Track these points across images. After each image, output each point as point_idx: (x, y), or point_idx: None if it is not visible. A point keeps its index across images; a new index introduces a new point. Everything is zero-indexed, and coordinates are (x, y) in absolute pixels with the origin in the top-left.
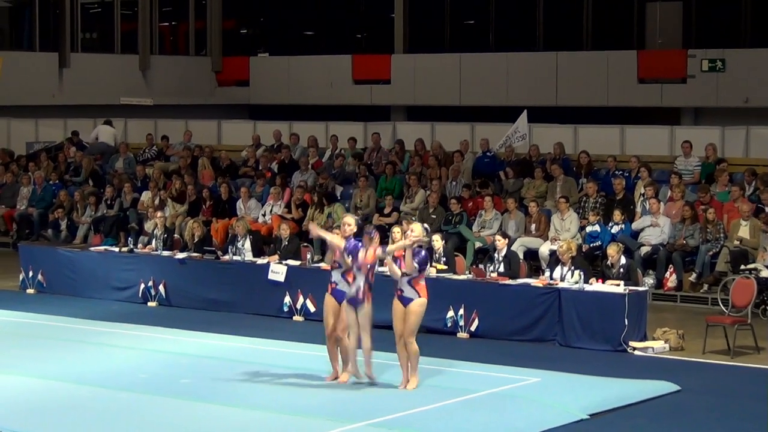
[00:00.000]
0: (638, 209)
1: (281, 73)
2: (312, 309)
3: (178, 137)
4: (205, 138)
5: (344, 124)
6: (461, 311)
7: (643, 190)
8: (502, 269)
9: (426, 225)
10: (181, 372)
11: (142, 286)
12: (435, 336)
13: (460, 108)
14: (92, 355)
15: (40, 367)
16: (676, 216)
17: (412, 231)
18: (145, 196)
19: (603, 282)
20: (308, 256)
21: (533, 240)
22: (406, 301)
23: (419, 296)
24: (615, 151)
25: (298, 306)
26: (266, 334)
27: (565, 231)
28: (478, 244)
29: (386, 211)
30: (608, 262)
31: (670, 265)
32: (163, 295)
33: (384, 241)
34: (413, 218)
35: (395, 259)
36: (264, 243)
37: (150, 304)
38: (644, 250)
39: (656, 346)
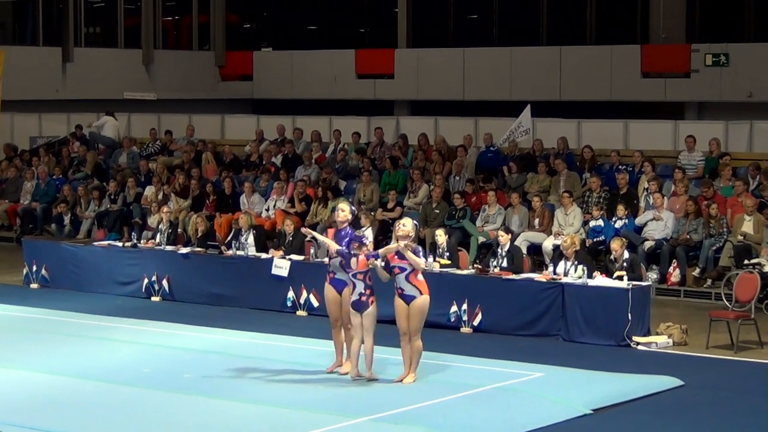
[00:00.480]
0: (642, 204)
1: (284, 67)
2: (315, 304)
3: (182, 132)
4: (208, 132)
5: (348, 118)
6: (464, 306)
7: (646, 185)
8: (505, 264)
9: (414, 221)
10: (185, 367)
11: (146, 280)
12: (438, 331)
13: (464, 102)
14: (95, 349)
15: (43, 362)
16: (680, 211)
17: (403, 225)
18: (149, 190)
19: (607, 276)
20: (312, 251)
21: (537, 235)
22: (408, 299)
23: (420, 293)
24: (618, 146)
25: (302, 301)
26: (270, 329)
27: (569, 226)
28: (481, 239)
29: (389, 205)
30: (612, 257)
31: (674, 260)
32: (167, 289)
33: (388, 235)
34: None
35: (388, 264)
36: (267, 238)
37: (153, 298)
38: (648, 244)
39: (660, 341)
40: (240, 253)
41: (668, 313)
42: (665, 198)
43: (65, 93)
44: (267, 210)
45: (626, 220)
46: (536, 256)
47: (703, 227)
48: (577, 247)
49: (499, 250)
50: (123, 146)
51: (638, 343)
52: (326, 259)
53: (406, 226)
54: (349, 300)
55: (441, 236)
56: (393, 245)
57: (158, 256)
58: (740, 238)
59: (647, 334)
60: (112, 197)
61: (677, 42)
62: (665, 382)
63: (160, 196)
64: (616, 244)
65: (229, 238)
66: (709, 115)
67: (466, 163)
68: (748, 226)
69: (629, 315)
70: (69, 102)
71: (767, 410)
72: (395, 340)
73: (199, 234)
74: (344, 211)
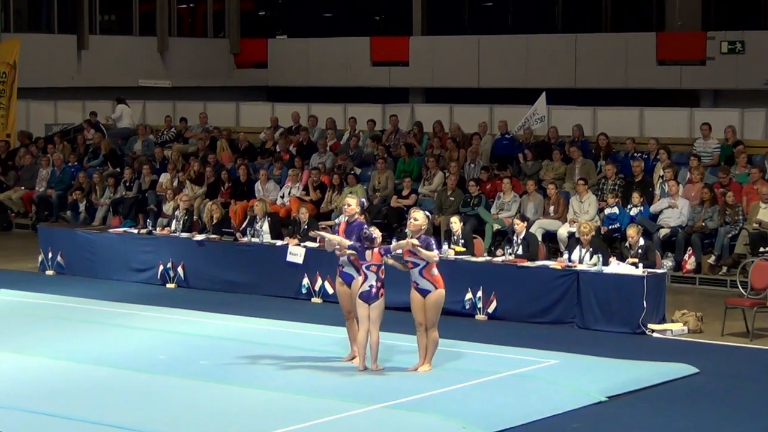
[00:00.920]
0: (657, 191)
1: (299, 55)
2: (330, 291)
3: (197, 119)
4: (223, 120)
5: (362, 106)
6: (479, 293)
7: (662, 173)
8: (520, 251)
9: (427, 212)
10: (200, 353)
11: (161, 267)
12: (453, 318)
13: (479, 90)
14: (111, 336)
15: (59, 349)
16: (695, 198)
17: (414, 219)
18: (164, 178)
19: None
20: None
21: (552, 222)
22: (423, 293)
23: (435, 287)
24: (634, 134)
25: (317, 288)
26: (284, 316)
27: (584, 213)
28: (496, 227)
29: (404, 193)
30: (627, 243)
31: (689, 248)
32: (182, 276)
33: (402, 223)
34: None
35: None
36: (282, 225)
37: (168, 285)
38: (663, 232)
39: (675, 329)
40: (255, 240)
41: (683, 300)
42: (680, 185)
43: (80, 80)
44: (282, 197)
45: (641, 208)
46: (551, 244)
47: (718, 215)
48: (593, 233)
49: (515, 237)
50: (138, 133)
51: (653, 331)
52: (337, 251)
53: (418, 220)
54: (358, 291)
55: (456, 224)
56: (404, 241)
57: (173, 243)
58: (756, 225)
59: (662, 321)
60: (128, 184)
61: (693, 29)
62: (680, 369)
63: (175, 184)
64: (632, 231)
65: (244, 226)
66: (724, 103)
67: (481, 151)
68: (763, 213)
69: (644, 302)
70: (84, 89)
71: None
72: (409, 328)
73: (214, 221)
74: (351, 205)
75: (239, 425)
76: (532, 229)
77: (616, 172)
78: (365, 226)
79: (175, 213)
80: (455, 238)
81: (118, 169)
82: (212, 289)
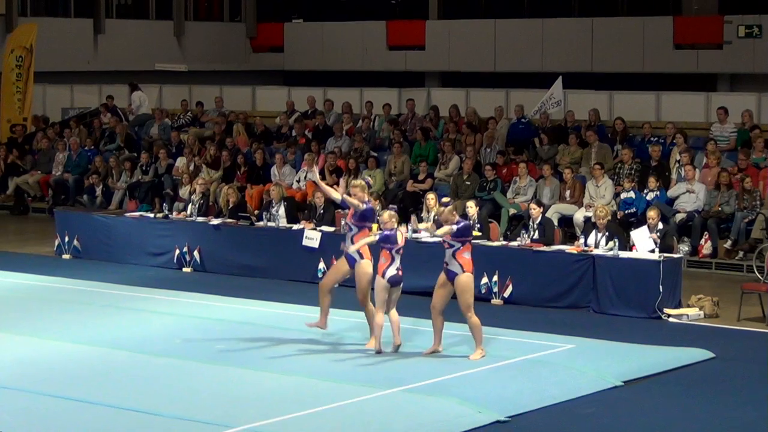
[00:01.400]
0: (673, 176)
1: (316, 39)
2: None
3: (213, 103)
4: (239, 104)
5: (379, 90)
6: (495, 278)
7: (678, 157)
8: (536, 236)
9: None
10: (216, 337)
11: (177, 251)
12: None
13: (495, 74)
14: (127, 320)
15: (74, 332)
16: (712, 183)
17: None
18: (180, 162)
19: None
20: (343, 222)
21: (568, 207)
22: (451, 275)
23: (463, 271)
24: (650, 118)
25: None
26: (300, 300)
27: (600, 198)
28: (512, 211)
29: (420, 177)
30: (646, 226)
31: (705, 232)
32: (198, 260)
33: (419, 207)
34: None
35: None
36: (298, 209)
37: (185, 269)
38: (679, 216)
39: (691, 314)
40: (271, 224)
41: (700, 285)
42: (697, 170)
43: (96, 64)
44: (298, 181)
45: (658, 192)
46: (567, 228)
47: (735, 199)
48: (609, 218)
49: (531, 222)
50: (154, 117)
51: (669, 316)
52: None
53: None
54: (384, 274)
55: (472, 208)
56: (445, 228)
57: (189, 228)
58: None
59: (678, 306)
60: (144, 168)
61: (710, 13)
62: (696, 354)
63: (191, 168)
64: (652, 213)
65: (260, 210)
66: (741, 87)
67: (497, 135)
68: None
69: (660, 287)
70: (100, 73)
71: None
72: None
73: (230, 205)
74: (356, 187)
75: (255, 409)
76: (548, 214)
77: (633, 157)
78: (370, 206)
79: (192, 197)
80: (471, 222)
81: (135, 154)
82: (228, 273)
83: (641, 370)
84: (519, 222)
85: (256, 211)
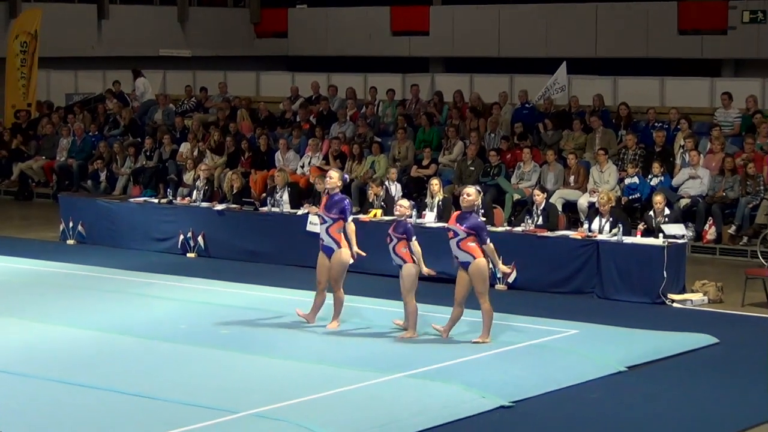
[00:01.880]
0: (678, 161)
1: (319, 24)
2: (350, 261)
3: (217, 89)
4: (243, 90)
5: (383, 75)
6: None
7: (682, 142)
8: (540, 222)
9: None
10: (221, 322)
11: (181, 237)
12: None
13: (499, 59)
14: (132, 305)
15: (79, 317)
16: (716, 168)
17: (468, 195)
18: (184, 147)
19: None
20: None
21: (572, 192)
22: (464, 266)
23: (474, 257)
24: (654, 103)
25: None
26: (304, 286)
27: (604, 183)
28: (516, 196)
29: (425, 162)
30: (652, 212)
31: (710, 218)
32: (202, 246)
33: (423, 193)
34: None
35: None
36: (302, 195)
37: (189, 255)
38: (683, 202)
39: (695, 299)
40: (275, 209)
41: (704, 270)
42: (701, 155)
43: (101, 50)
44: (302, 167)
45: (662, 178)
46: (571, 214)
47: (739, 185)
48: (613, 203)
49: (535, 207)
50: (158, 103)
51: (673, 301)
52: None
53: (471, 195)
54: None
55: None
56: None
57: (194, 213)
58: None
59: (682, 291)
60: (148, 154)
61: None
62: (700, 339)
63: (195, 153)
64: (658, 198)
65: (264, 195)
66: (746, 73)
67: (501, 120)
68: None
69: (664, 272)
70: (104, 59)
71: None
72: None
73: (235, 191)
74: (333, 178)
75: (260, 394)
76: (552, 199)
77: (637, 142)
78: (347, 201)
79: (196, 183)
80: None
81: (139, 139)
82: (232, 258)
83: (645, 355)
84: (523, 207)
85: (260, 197)
